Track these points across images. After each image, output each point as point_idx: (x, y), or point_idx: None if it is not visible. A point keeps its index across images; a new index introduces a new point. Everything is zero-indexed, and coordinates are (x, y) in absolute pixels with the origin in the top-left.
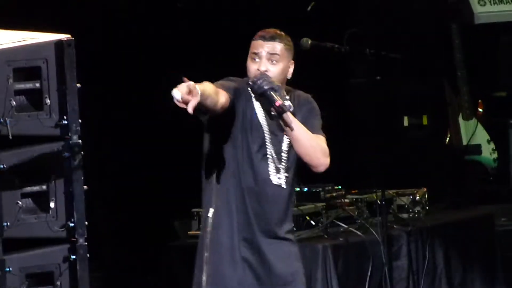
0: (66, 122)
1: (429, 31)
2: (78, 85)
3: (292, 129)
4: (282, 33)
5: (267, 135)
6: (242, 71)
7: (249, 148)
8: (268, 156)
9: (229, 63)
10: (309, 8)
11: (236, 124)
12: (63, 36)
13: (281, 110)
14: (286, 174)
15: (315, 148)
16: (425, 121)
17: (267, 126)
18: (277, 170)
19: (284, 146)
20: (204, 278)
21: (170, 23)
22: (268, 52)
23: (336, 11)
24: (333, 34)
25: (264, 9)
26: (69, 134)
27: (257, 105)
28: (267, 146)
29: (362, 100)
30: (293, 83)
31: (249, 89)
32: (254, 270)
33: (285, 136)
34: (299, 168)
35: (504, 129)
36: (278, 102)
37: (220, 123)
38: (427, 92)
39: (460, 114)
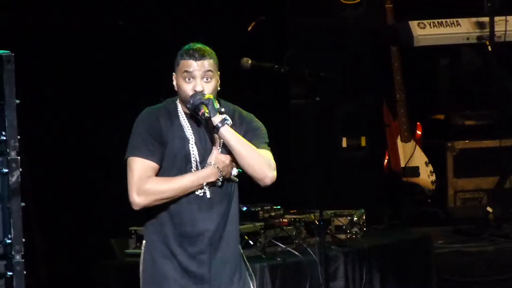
0: (4, 137)
1: (369, 53)
2: (17, 101)
3: (231, 143)
4: (206, 47)
5: (194, 153)
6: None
7: (177, 168)
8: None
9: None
10: (249, 29)
11: (166, 155)
12: (3, 52)
13: (218, 125)
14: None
15: (258, 160)
16: (363, 142)
17: (194, 144)
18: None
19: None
20: None
21: (111, 39)
22: (202, 71)
23: (276, 32)
24: (273, 55)
25: (203, 28)
26: (7, 150)
27: (187, 129)
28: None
29: (301, 121)
30: (233, 103)
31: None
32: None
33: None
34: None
35: (442, 151)
36: (203, 111)
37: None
38: (365, 113)
39: (399, 136)
